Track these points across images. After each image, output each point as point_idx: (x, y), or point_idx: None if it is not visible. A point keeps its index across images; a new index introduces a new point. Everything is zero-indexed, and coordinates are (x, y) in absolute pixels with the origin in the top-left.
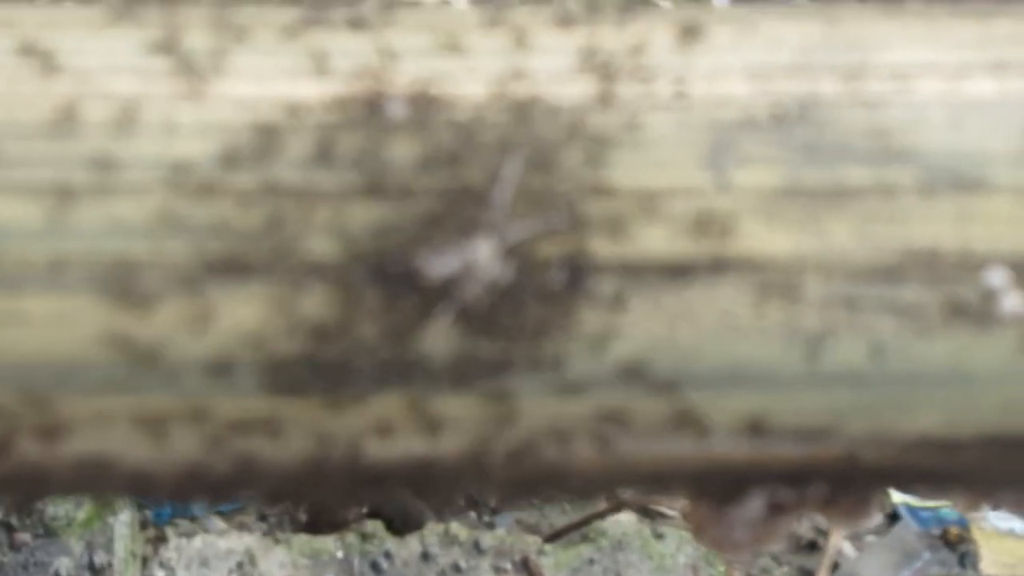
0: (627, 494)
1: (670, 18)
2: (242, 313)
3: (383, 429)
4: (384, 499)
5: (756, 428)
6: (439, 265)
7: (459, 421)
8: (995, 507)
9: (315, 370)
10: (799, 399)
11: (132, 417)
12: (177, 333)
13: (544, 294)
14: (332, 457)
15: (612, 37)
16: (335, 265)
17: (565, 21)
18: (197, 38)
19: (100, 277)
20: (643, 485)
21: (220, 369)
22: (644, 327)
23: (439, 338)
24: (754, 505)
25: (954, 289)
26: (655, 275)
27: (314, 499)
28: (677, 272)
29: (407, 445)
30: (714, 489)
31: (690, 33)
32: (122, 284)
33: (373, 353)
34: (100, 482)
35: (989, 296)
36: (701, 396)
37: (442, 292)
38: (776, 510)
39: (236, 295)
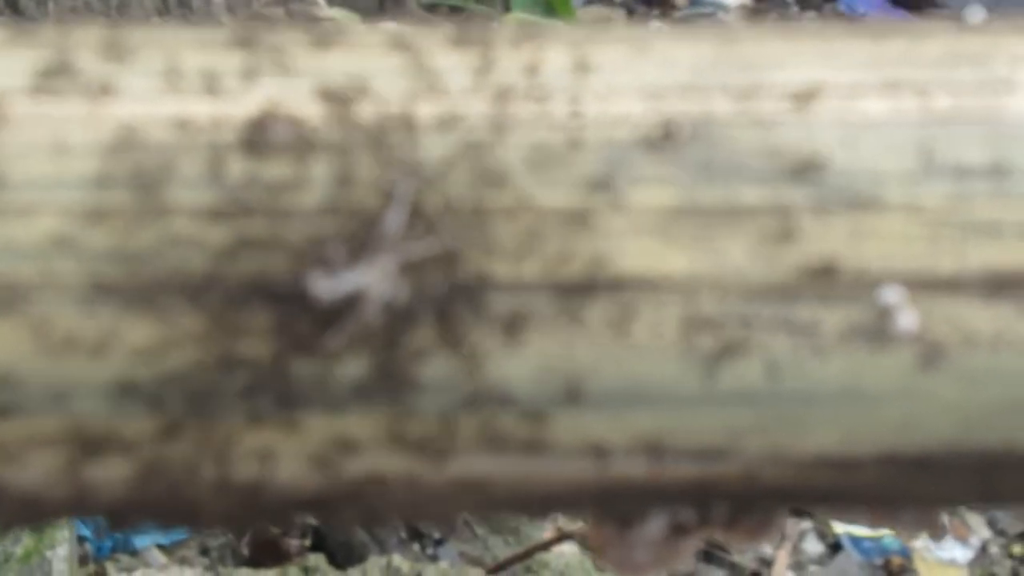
0: (571, 526)
1: (565, 38)
2: (135, 335)
3: (278, 452)
4: (292, 524)
5: (654, 448)
6: (331, 286)
7: (361, 442)
8: (897, 526)
9: (208, 391)
10: (696, 418)
11: (24, 439)
12: (70, 355)
13: (440, 314)
14: (232, 479)
15: (507, 57)
16: (228, 286)
17: (461, 41)
18: (89, 59)
19: None
20: (545, 507)
21: (119, 391)
22: (541, 347)
23: (331, 359)
24: (655, 526)
25: (849, 307)
26: (552, 295)
27: (217, 524)
28: (573, 291)
29: (301, 470)
30: (615, 510)
31: (584, 53)
32: (12, 306)
33: (265, 375)
34: None
35: (884, 314)
36: (599, 416)
37: (335, 313)
38: (678, 531)
39: (129, 317)
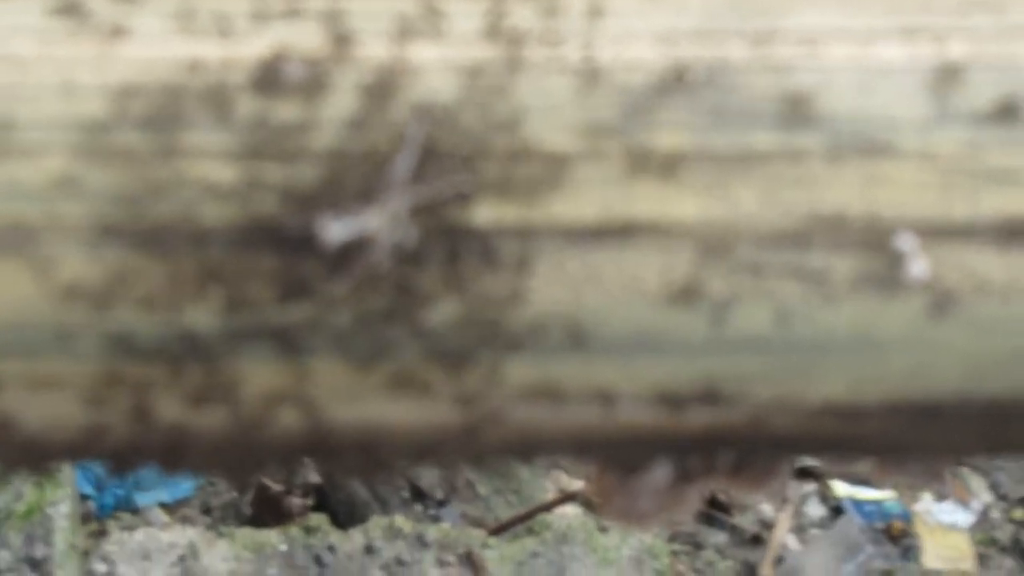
0: (573, 487)
1: None
2: (141, 277)
3: (284, 397)
4: (296, 471)
5: (662, 394)
6: (341, 228)
7: (367, 387)
8: (903, 476)
9: (214, 334)
10: (705, 365)
11: (28, 381)
12: (76, 298)
13: (449, 257)
14: (237, 423)
15: (520, 1)
16: (236, 229)
17: None
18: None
19: None
20: (550, 452)
21: (117, 335)
22: (549, 292)
23: (338, 303)
24: (660, 474)
25: (861, 255)
26: (561, 239)
27: (220, 469)
28: (583, 236)
29: (305, 414)
30: (621, 457)
31: None
32: (18, 247)
33: (272, 319)
34: None
35: (896, 261)
36: (606, 362)
37: (344, 255)
38: (683, 478)
39: (135, 260)
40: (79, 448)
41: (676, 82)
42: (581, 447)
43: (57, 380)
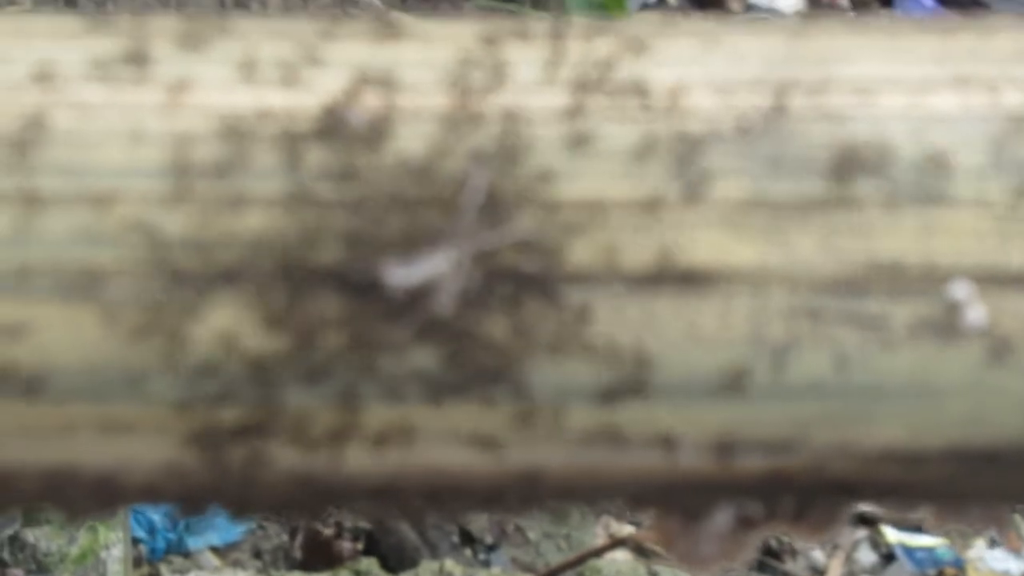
0: (623, 532)
1: (636, 32)
2: (209, 323)
3: (349, 439)
4: (362, 513)
5: (722, 440)
6: (405, 275)
7: (431, 433)
8: (965, 523)
9: (272, 380)
10: (764, 411)
11: (99, 425)
12: (143, 341)
13: (512, 304)
14: (302, 465)
15: (578, 50)
16: (302, 275)
17: (532, 34)
18: (165, 48)
19: (66, 285)
20: (610, 499)
21: (194, 379)
22: (611, 338)
23: (402, 348)
24: (722, 519)
25: (918, 302)
26: (621, 286)
27: (287, 509)
28: (644, 283)
29: (369, 458)
30: (681, 503)
31: (655, 47)
32: (88, 293)
33: (337, 364)
34: (65, 491)
35: (953, 309)
36: (668, 408)
37: (409, 302)
38: (745, 524)
39: (203, 305)
40: (151, 491)
41: (733, 131)
42: (642, 493)
43: (128, 423)
